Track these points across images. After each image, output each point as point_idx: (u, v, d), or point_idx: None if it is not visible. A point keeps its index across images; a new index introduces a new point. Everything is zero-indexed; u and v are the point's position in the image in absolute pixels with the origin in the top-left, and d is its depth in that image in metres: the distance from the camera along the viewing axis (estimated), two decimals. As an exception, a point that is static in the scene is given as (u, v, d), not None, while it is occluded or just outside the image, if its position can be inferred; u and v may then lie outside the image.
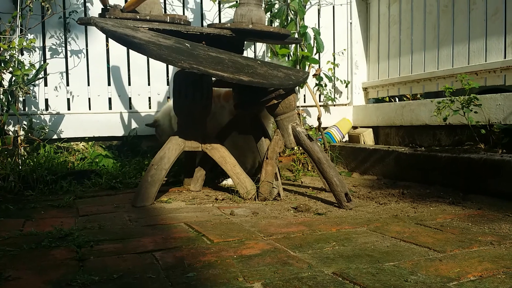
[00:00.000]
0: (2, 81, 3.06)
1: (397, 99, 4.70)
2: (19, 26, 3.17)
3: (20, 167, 2.85)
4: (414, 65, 3.78)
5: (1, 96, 3.03)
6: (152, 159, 2.47)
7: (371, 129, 4.02)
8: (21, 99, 3.31)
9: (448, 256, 1.47)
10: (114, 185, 2.88)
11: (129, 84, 3.75)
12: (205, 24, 3.92)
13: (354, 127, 4.22)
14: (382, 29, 4.18)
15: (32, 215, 2.16)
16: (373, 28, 4.28)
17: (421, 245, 1.59)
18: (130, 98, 3.75)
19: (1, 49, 3.06)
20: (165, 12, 3.77)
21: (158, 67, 3.80)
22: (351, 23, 4.29)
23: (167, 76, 3.88)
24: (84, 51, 3.61)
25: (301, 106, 4.05)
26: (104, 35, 3.57)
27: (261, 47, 4.10)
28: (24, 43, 3.03)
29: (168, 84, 3.85)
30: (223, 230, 1.83)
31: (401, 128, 3.70)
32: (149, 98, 3.81)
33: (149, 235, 1.78)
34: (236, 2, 3.84)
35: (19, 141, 3.00)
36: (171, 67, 3.84)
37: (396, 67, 3.99)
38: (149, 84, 3.80)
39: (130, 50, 3.70)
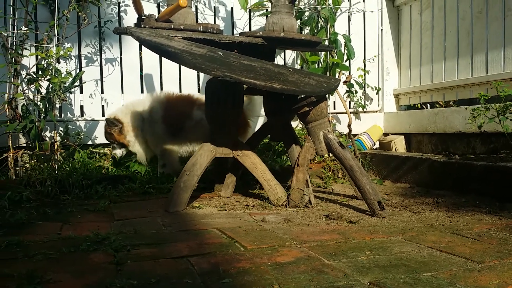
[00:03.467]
0: (40, 89, 3.16)
1: (428, 106, 4.63)
2: (56, 35, 3.27)
3: (56, 172, 2.93)
4: (447, 72, 3.72)
5: (39, 103, 3.13)
6: (185, 165, 2.51)
7: (402, 136, 3.97)
8: (57, 106, 3.41)
9: (486, 267, 1.44)
10: (147, 190, 2.93)
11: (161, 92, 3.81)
12: (235, 32, 3.96)
13: (385, 134, 4.18)
14: (414, 35, 4.13)
15: (69, 219, 2.22)
16: (405, 34, 4.24)
17: (458, 255, 1.56)
18: (162, 105, 3.81)
19: (39, 57, 3.16)
20: (196, 20, 3.82)
21: (189, 75, 3.85)
22: (382, 29, 4.26)
23: (198, 83, 3.92)
24: (118, 59, 3.69)
25: (331, 113, 4.04)
26: (138, 44, 3.65)
27: (290, 54, 4.12)
28: (61, 52, 3.12)
29: (199, 91, 3.90)
30: (256, 236, 1.84)
31: (434, 135, 3.65)
32: (180, 105, 3.86)
33: (183, 240, 1.80)
34: (267, 10, 3.87)
35: (56, 147, 3.08)
36: (202, 75, 3.89)
37: (428, 74, 3.94)
38: (180, 92, 3.85)
39: (162, 58, 3.77)
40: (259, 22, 4.00)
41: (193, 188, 2.46)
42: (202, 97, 3.31)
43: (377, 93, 4.27)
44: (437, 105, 4.55)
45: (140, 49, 3.74)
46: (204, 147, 2.54)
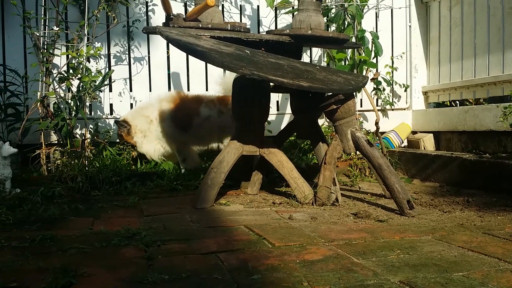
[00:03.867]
0: (71, 87, 3.23)
1: (458, 104, 4.54)
2: (86, 34, 3.34)
3: (87, 168, 3.00)
4: (478, 69, 3.64)
5: (70, 101, 3.20)
6: (212, 163, 2.53)
7: (431, 134, 3.90)
8: (88, 104, 3.49)
9: (520, 267, 1.41)
10: (175, 187, 2.97)
11: (188, 90, 3.85)
12: (261, 30, 3.97)
13: (414, 132, 4.12)
14: (443, 32, 4.06)
15: (100, 214, 2.27)
16: (434, 31, 4.17)
17: (490, 255, 1.53)
18: (188, 103, 3.85)
19: (70, 56, 3.23)
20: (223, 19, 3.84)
21: (216, 73, 3.87)
22: (410, 26, 4.20)
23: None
24: (146, 58, 3.75)
25: (358, 111, 4.00)
26: (165, 43, 3.70)
27: (317, 52, 4.10)
28: (92, 51, 3.18)
29: (225, 89, 3.92)
30: (283, 234, 1.84)
31: (464, 133, 3.58)
32: (207, 103, 3.88)
33: (211, 236, 1.82)
34: (293, 7, 3.86)
35: (86, 144, 3.15)
36: (227, 72, 3.91)
37: (458, 71, 3.86)
38: (207, 90, 3.88)
39: (189, 57, 3.80)
40: (285, 19, 4.00)
41: (220, 185, 2.48)
42: (209, 95, 3.46)
43: (405, 90, 4.22)
44: (467, 103, 4.46)
45: (168, 48, 3.79)
46: (231, 145, 2.55)
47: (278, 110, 4.01)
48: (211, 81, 3.89)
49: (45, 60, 3.20)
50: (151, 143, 3.39)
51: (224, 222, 2.08)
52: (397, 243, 1.70)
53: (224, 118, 3.31)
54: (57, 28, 3.21)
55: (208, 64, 3.77)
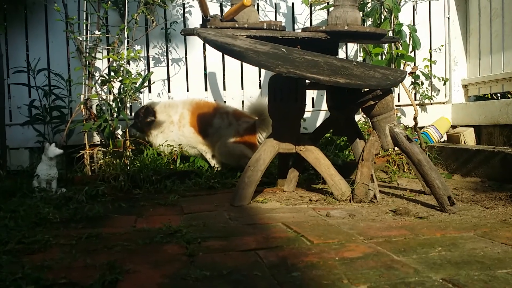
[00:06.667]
0: (112, 89, 3.34)
1: (499, 96, 4.40)
2: (126, 37, 3.43)
3: (128, 168, 3.09)
4: (521, 60, 3.52)
5: (112, 103, 3.30)
6: (249, 161, 2.56)
7: (472, 129, 3.81)
8: (128, 105, 3.58)
9: None
10: (212, 185, 3.01)
11: (224, 89, 3.91)
12: (296, 27, 3.97)
13: (453, 127, 4.03)
14: (483, 23, 3.94)
15: (142, 212, 2.34)
16: (473, 22, 4.05)
17: (536, 253, 1.49)
18: (225, 102, 3.90)
19: (111, 59, 3.33)
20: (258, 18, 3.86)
21: (251, 71, 3.90)
22: (448, 18, 4.11)
23: (259, 79, 3.97)
24: (184, 59, 3.82)
25: (396, 106, 3.94)
26: (202, 43, 3.76)
27: (352, 47, 4.06)
28: (132, 54, 3.27)
29: (260, 87, 3.95)
30: (321, 231, 1.85)
31: (506, 127, 3.47)
32: (242, 101, 3.93)
33: (250, 233, 1.85)
34: (328, 3, 3.84)
35: (127, 144, 3.24)
36: (263, 71, 3.94)
37: (499, 63, 3.75)
38: (242, 88, 3.92)
39: (225, 56, 3.85)
40: (320, 16, 3.98)
41: (257, 183, 2.50)
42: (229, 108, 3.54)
43: (444, 84, 4.12)
44: (509, 95, 4.32)
45: (204, 48, 3.85)
46: (267, 143, 2.57)
47: (313, 106, 4.00)
48: (247, 80, 3.92)
49: (87, 63, 3.31)
50: (164, 139, 3.47)
51: (262, 220, 2.10)
52: (438, 240, 1.68)
53: (230, 130, 3.38)
54: (99, 32, 3.31)
55: (243, 63, 3.80)
